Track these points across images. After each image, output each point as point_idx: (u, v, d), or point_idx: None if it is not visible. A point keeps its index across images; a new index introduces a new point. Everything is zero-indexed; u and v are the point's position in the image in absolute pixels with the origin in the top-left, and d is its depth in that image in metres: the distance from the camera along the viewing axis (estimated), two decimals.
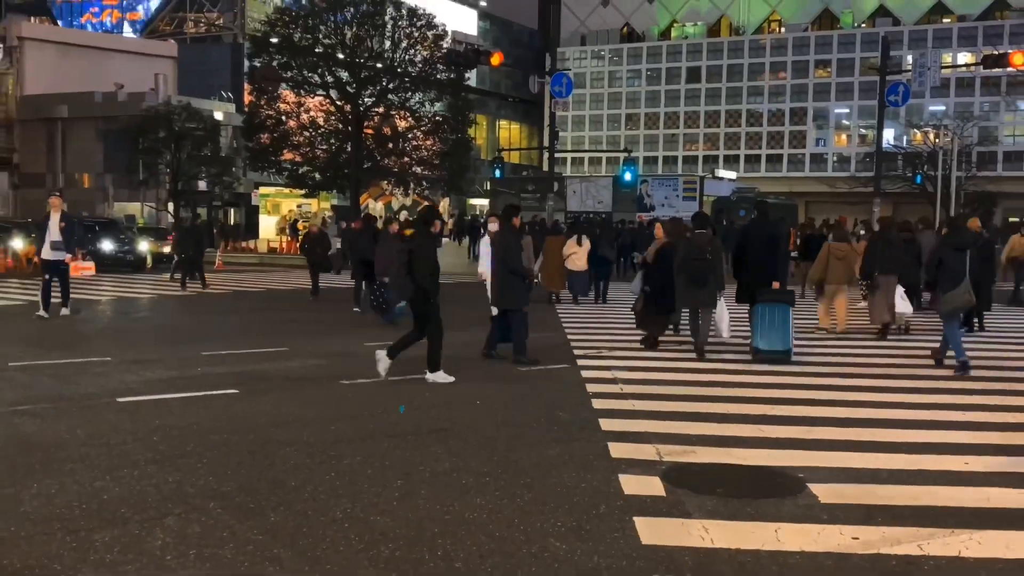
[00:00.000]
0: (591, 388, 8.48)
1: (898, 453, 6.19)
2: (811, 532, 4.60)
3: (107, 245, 25.90)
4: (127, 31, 57.63)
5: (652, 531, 4.57)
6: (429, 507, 4.90)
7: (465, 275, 20.92)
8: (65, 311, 13.92)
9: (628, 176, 34.43)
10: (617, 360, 10.22)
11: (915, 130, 61.27)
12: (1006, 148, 70.70)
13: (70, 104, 41.01)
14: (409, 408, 7.49)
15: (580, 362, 10.06)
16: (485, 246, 11.18)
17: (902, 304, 12.46)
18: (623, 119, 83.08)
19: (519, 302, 9.97)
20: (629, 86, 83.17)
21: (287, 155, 38.10)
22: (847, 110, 76.31)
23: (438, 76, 38.98)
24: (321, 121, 38.20)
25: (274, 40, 37.84)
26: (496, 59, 29.94)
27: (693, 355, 10.59)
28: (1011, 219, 56.35)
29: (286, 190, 45.44)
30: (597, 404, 7.73)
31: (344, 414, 7.27)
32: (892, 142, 57.91)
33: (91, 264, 23.80)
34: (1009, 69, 37.88)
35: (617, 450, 6.13)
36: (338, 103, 37.74)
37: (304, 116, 37.96)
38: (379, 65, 37.46)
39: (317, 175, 38.28)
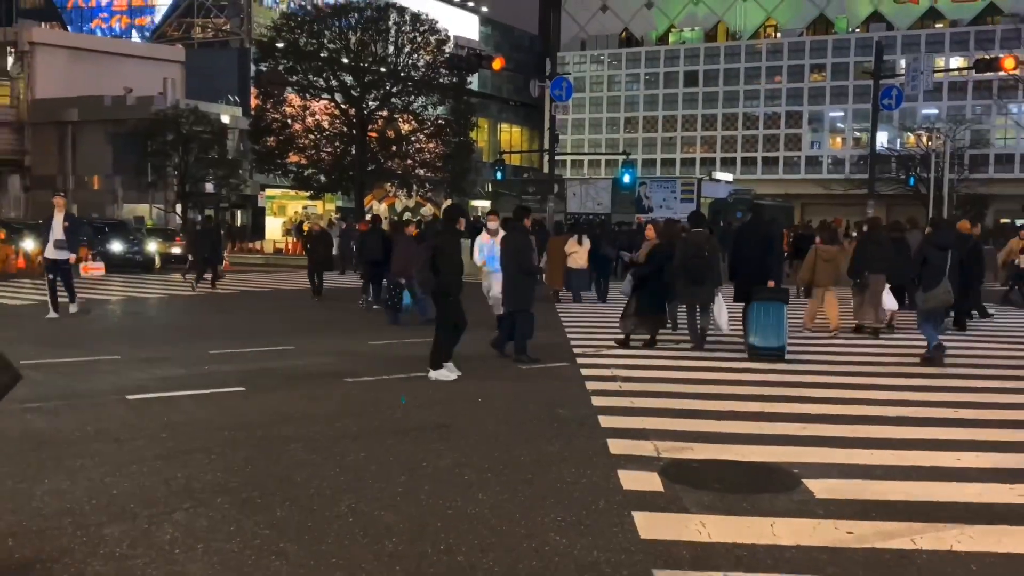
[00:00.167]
0: (590, 386, 8.55)
1: (891, 449, 6.26)
2: (806, 527, 4.65)
3: (116, 246, 26.26)
4: (136, 36, 57.88)
5: (650, 526, 4.62)
6: (432, 502, 4.96)
7: (468, 275, 20.97)
8: (73, 308, 14.06)
9: (627, 178, 34.50)
10: (616, 358, 10.29)
11: (908, 133, 61.63)
12: (997, 151, 70.90)
13: (80, 108, 41.35)
14: (412, 405, 7.57)
15: (580, 360, 10.13)
16: (480, 244, 11.28)
17: (888, 300, 12.60)
18: (622, 122, 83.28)
19: (528, 302, 10.07)
20: (628, 90, 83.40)
21: (293, 158, 38.32)
22: (842, 113, 76.59)
23: (441, 80, 39.17)
24: (326, 124, 38.39)
25: (280, 45, 38.10)
26: (497, 64, 30.11)
27: (690, 354, 10.71)
28: (1002, 220, 56.53)
29: (292, 192, 45.65)
30: (596, 401, 7.81)
31: (348, 411, 7.35)
32: (886, 145, 58.08)
33: (101, 264, 24.10)
34: (1000, 73, 38.00)
35: (616, 446, 6.20)
36: (343, 107, 37.93)
37: (309, 119, 38.18)
38: (383, 69, 37.67)
39: (322, 177, 38.50)
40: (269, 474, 5.47)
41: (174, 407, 7.35)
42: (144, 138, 37.01)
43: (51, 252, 13.86)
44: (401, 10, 38.30)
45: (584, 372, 9.33)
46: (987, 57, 31.75)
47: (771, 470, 5.76)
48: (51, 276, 13.91)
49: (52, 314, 13.66)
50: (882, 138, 52.55)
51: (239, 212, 46.61)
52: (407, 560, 4.15)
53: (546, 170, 37.79)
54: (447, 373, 8.74)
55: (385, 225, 18.78)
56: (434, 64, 38.45)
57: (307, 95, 38.28)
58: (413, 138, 38.88)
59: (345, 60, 37.37)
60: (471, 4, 76.05)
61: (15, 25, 47.99)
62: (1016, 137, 68.11)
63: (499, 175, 36.62)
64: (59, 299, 13.90)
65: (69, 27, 58.21)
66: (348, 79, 37.57)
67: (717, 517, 4.77)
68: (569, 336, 12.37)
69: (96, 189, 41.48)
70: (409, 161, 38.82)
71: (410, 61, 38.24)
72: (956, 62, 68.61)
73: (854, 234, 21.89)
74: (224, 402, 7.64)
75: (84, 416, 6.96)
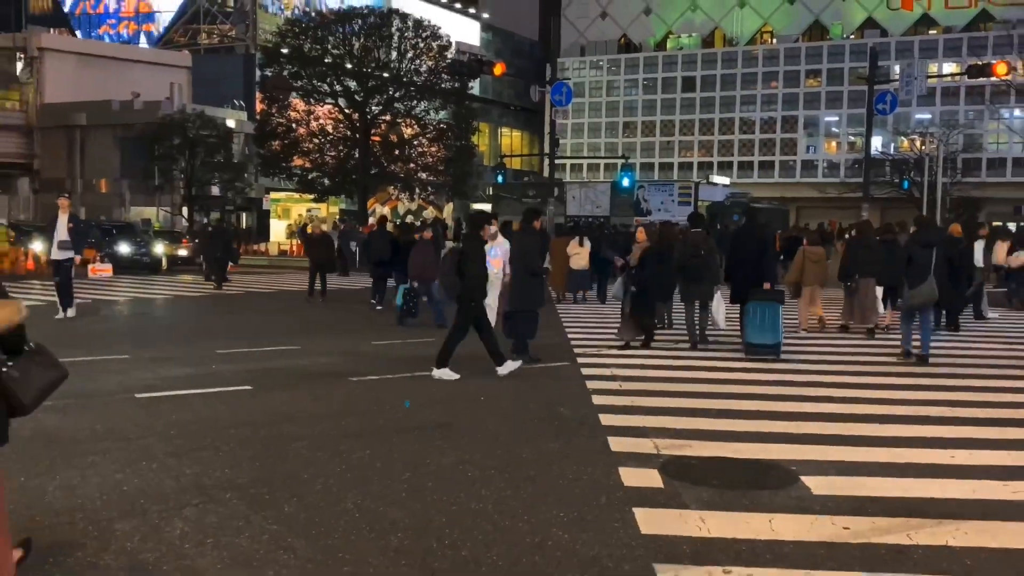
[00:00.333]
0: (591, 385, 8.61)
1: (887, 447, 6.32)
2: (804, 522, 4.70)
3: (124, 248, 26.47)
4: (143, 42, 58.09)
5: (651, 521, 4.68)
6: (436, 499, 5.02)
7: None
8: (71, 312, 13.90)
9: (626, 182, 34.58)
10: (616, 358, 10.37)
11: (902, 137, 61.78)
12: (990, 155, 71.08)
13: (88, 112, 41.60)
14: (415, 404, 7.64)
15: (580, 359, 10.21)
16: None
17: (877, 303, 12.80)
18: (621, 127, 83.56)
19: (535, 303, 10.17)
20: (627, 95, 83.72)
21: (297, 161, 38.54)
22: (837, 118, 76.82)
23: (442, 85, 39.40)
24: (330, 128, 38.62)
25: (285, 51, 38.40)
26: (498, 69, 30.25)
27: (689, 353, 10.80)
28: (995, 223, 56.70)
29: (296, 195, 45.80)
30: (597, 400, 7.88)
31: (353, 410, 7.42)
32: (880, 149, 58.16)
33: (109, 266, 24.30)
34: (993, 79, 38.10)
35: (616, 444, 6.26)
36: (346, 111, 38.15)
37: (313, 124, 38.42)
38: (386, 75, 37.91)
39: (326, 181, 38.71)
40: (276, 471, 5.53)
41: (182, 406, 7.42)
42: (151, 142, 37.17)
43: (55, 253, 13.96)
44: (404, 16, 38.54)
45: (584, 371, 9.40)
46: (980, 63, 31.93)
47: (769, 467, 5.83)
48: (58, 279, 14.03)
49: (61, 315, 13.78)
50: (876, 142, 52.62)
51: (244, 215, 46.77)
52: (412, 555, 4.21)
53: (546, 173, 37.92)
54: (450, 372, 8.84)
55: (389, 227, 18.89)
56: (436, 69, 38.68)
57: (311, 100, 38.50)
58: (415, 142, 39.09)
59: (349, 65, 37.58)
60: (472, 11, 76.18)
61: (24, 31, 48.20)
62: (1008, 142, 68.21)
63: (500, 178, 36.75)
64: (74, 299, 14.05)
65: (77, 33, 58.43)
66: (352, 84, 37.79)
67: (716, 513, 4.83)
68: (569, 336, 12.45)
69: (104, 192, 41.74)
70: (411, 165, 39.01)
71: (412, 66, 38.46)
72: (949, 68, 69.10)
73: (847, 236, 22.01)
74: (231, 401, 7.71)
75: (94, 414, 7.03)
